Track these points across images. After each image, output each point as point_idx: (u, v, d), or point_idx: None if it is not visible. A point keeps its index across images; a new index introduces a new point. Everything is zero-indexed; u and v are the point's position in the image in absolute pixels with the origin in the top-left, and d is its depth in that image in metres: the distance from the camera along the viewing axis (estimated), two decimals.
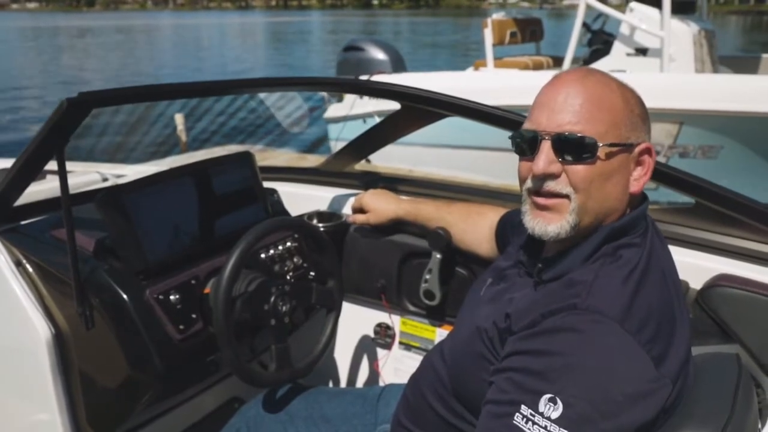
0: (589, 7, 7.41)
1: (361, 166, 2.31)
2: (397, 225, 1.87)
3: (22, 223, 1.60)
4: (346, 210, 2.07)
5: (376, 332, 2.02)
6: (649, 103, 1.13)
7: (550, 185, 1.06)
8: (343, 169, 2.20)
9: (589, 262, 1.06)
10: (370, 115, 7.02)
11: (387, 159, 3.04)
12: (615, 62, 7.13)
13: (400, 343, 1.98)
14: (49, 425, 1.46)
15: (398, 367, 1.99)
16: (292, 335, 1.71)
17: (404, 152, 3.86)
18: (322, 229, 1.90)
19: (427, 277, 1.79)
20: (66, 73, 22.49)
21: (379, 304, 1.97)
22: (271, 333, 1.52)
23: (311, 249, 1.85)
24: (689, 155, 6.26)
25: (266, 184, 1.95)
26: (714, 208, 1.52)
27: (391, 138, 2.06)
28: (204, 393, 1.77)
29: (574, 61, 7.69)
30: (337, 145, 6.71)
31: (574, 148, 1.04)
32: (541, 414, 0.91)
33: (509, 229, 1.46)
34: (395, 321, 1.98)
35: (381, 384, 1.93)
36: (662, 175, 1.51)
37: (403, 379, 1.45)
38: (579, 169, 1.04)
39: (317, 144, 8.73)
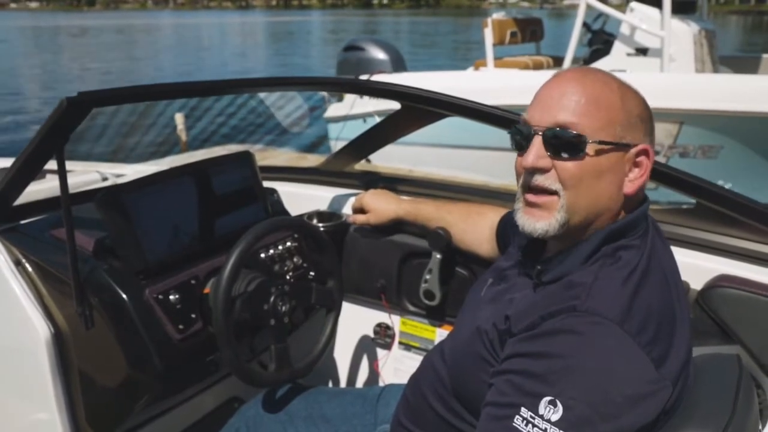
0: (589, 7, 7.41)
1: (361, 166, 2.31)
2: (397, 225, 1.87)
3: (22, 222, 1.60)
4: (346, 210, 2.06)
5: (375, 332, 2.02)
6: (649, 102, 1.12)
7: (540, 180, 1.07)
8: (343, 168, 2.20)
9: (589, 263, 1.05)
10: (370, 114, 7.02)
11: (387, 159, 3.04)
12: (615, 62, 7.13)
13: (400, 343, 1.98)
14: (49, 425, 1.46)
15: (398, 367, 1.99)
16: (291, 335, 1.71)
17: (404, 152, 3.86)
18: (322, 229, 1.90)
19: (427, 277, 1.79)
20: (66, 72, 22.49)
21: (379, 304, 1.97)
22: (270, 333, 1.51)
23: (311, 249, 1.85)
24: (689, 155, 6.26)
25: (266, 184, 1.95)
26: (714, 208, 1.51)
27: (392, 138, 2.06)
28: (203, 393, 1.77)
29: (575, 61, 7.69)
30: (337, 145, 6.72)
31: (563, 143, 1.04)
32: (541, 416, 0.91)
33: (510, 229, 1.46)
34: (395, 321, 1.98)
35: (381, 384, 1.93)
36: (662, 175, 1.51)
37: (403, 379, 1.45)
38: (568, 166, 1.04)
39: (317, 144, 8.73)
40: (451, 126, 2.21)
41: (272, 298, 1.51)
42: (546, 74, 1.13)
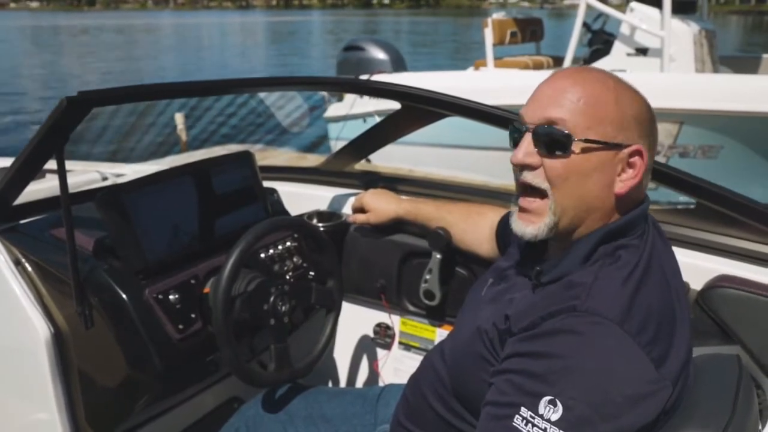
0: (589, 7, 7.41)
1: (361, 165, 2.31)
2: (398, 225, 1.87)
3: (22, 222, 1.60)
4: (346, 210, 2.06)
5: (375, 332, 2.02)
6: (649, 102, 1.11)
7: (528, 177, 1.07)
8: (343, 168, 2.20)
9: (588, 263, 1.05)
10: (370, 114, 7.02)
11: (387, 159, 3.04)
12: (615, 62, 7.13)
13: (400, 343, 1.98)
14: (48, 424, 1.46)
15: (398, 367, 1.99)
16: (291, 335, 1.71)
17: (404, 152, 3.86)
18: (321, 228, 1.90)
19: (427, 277, 1.79)
20: (66, 72, 22.49)
21: (379, 304, 1.97)
22: (270, 333, 1.51)
23: (311, 249, 1.85)
24: (689, 155, 6.26)
25: (266, 184, 1.95)
26: (714, 208, 1.51)
27: (392, 138, 2.06)
28: (203, 392, 1.76)
29: (575, 60, 7.69)
30: (337, 145, 6.72)
31: (550, 140, 1.04)
32: (541, 416, 0.91)
33: (510, 229, 1.46)
34: (395, 321, 1.98)
35: (381, 384, 1.93)
36: (662, 175, 1.51)
37: (403, 379, 1.45)
38: (555, 164, 1.05)
39: (317, 143, 8.73)
40: (451, 126, 2.21)
41: (272, 298, 1.51)
42: (546, 74, 1.13)
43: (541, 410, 0.92)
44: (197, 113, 9.12)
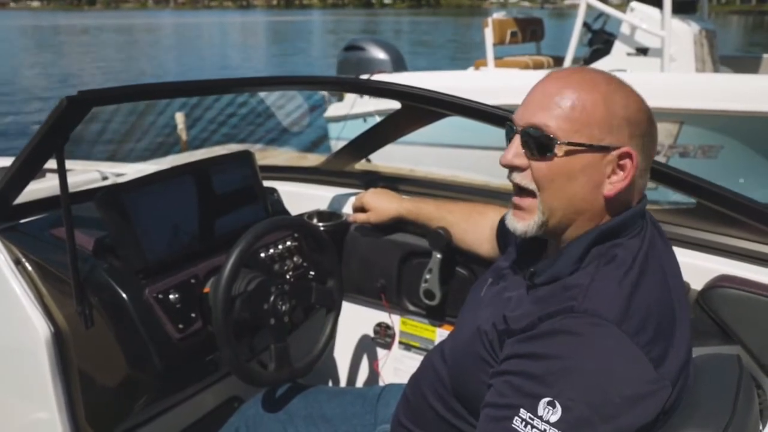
0: (589, 7, 7.41)
1: (361, 165, 2.31)
2: (398, 224, 1.87)
3: (22, 221, 1.60)
4: (347, 209, 2.06)
5: (375, 332, 2.02)
6: (650, 102, 1.10)
7: (517, 178, 1.09)
8: (344, 168, 2.20)
9: (583, 264, 1.05)
10: (370, 114, 7.02)
11: (387, 158, 3.04)
12: (615, 62, 7.13)
13: (400, 342, 1.98)
14: (48, 424, 1.46)
15: (398, 367, 1.99)
16: (291, 335, 1.71)
17: (405, 152, 3.86)
18: (322, 228, 1.90)
19: (428, 276, 1.79)
20: (66, 71, 22.49)
21: (379, 303, 1.97)
22: (270, 332, 1.51)
23: (311, 248, 1.85)
24: (689, 155, 6.26)
25: (266, 183, 1.95)
26: (714, 208, 1.51)
27: (392, 137, 2.05)
28: (203, 392, 1.76)
29: (575, 60, 7.69)
30: (337, 145, 6.71)
31: (534, 143, 1.05)
32: (540, 417, 0.91)
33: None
34: (395, 321, 1.97)
35: (381, 384, 1.93)
36: (662, 175, 1.51)
37: (403, 379, 1.45)
38: (540, 165, 1.06)
39: (317, 143, 8.72)
40: (452, 126, 2.21)
41: (272, 298, 1.51)
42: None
43: (540, 411, 0.92)
44: (197, 113, 9.12)
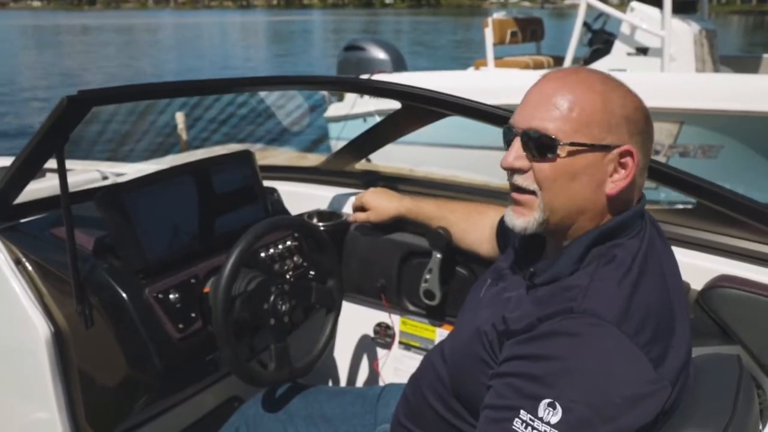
0: (590, 7, 7.41)
1: (361, 165, 2.31)
2: (398, 223, 1.86)
3: (22, 221, 1.60)
4: (347, 209, 2.06)
5: (375, 332, 2.02)
6: (650, 102, 1.11)
7: (518, 180, 1.09)
8: (344, 168, 2.20)
9: (583, 264, 1.05)
10: (370, 114, 7.02)
11: (387, 158, 3.04)
12: (615, 62, 7.13)
13: (400, 342, 1.98)
14: (48, 424, 1.46)
15: (398, 366, 1.99)
16: (291, 334, 1.71)
17: (405, 152, 3.86)
18: (322, 228, 1.90)
19: (428, 276, 1.79)
20: (66, 71, 22.49)
21: (379, 303, 1.97)
22: (270, 332, 1.51)
23: (311, 248, 1.85)
24: (689, 155, 6.26)
25: (266, 183, 1.95)
26: (714, 208, 1.51)
27: (392, 137, 2.05)
28: (203, 392, 1.76)
29: (575, 60, 7.69)
30: (337, 145, 6.71)
31: (536, 145, 1.05)
32: (541, 419, 0.91)
33: (510, 229, 1.46)
34: (395, 321, 1.97)
35: (381, 384, 1.93)
36: (662, 175, 1.51)
37: (403, 379, 1.45)
38: (543, 167, 1.06)
39: (317, 143, 8.72)
40: (452, 125, 2.21)
41: (272, 298, 1.51)
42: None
43: (540, 413, 0.92)
44: (197, 112, 9.11)
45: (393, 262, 1.91)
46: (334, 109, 7.94)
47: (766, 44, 27.76)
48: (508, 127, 1.10)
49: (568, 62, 7.46)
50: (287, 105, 8.13)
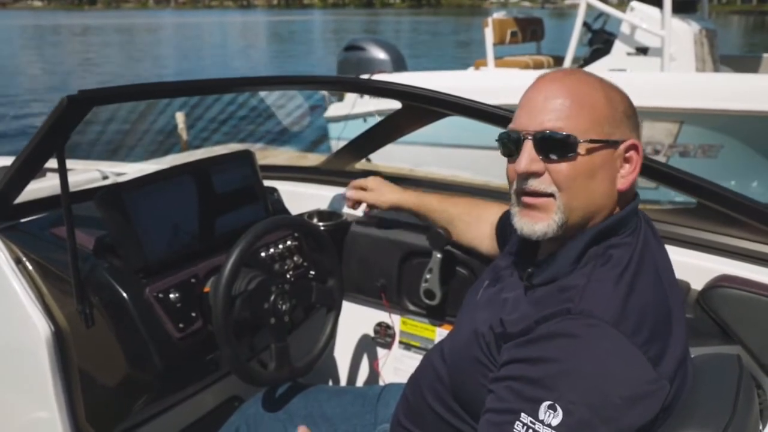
0: (590, 7, 7.40)
1: (361, 165, 2.31)
2: (398, 218, 1.85)
3: (22, 220, 1.60)
4: (347, 209, 2.06)
5: (376, 332, 2.02)
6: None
7: (534, 184, 1.06)
8: (344, 168, 2.20)
9: (580, 265, 1.05)
10: (370, 114, 7.01)
11: (387, 158, 3.04)
12: (615, 61, 7.12)
13: (400, 342, 1.98)
14: (49, 423, 1.46)
15: (398, 366, 1.99)
16: (291, 334, 1.71)
17: (405, 151, 3.86)
18: (322, 227, 1.90)
19: (428, 276, 1.79)
20: (67, 71, 22.48)
21: (379, 303, 1.97)
22: (270, 332, 1.51)
23: (311, 248, 1.85)
24: (689, 154, 6.25)
25: (266, 183, 1.95)
26: (714, 208, 1.51)
27: (392, 137, 2.06)
28: (203, 391, 1.77)
29: (575, 60, 7.69)
30: (337, 144, 6.71)
31: (554, 145, 1.04)
32: (541, 421, 0.91)
33: (509, 227, 1.46)
34: (395, 320, 1.98)
35: (381, 383, 1.93)
36: (662, 175, 1.51)
37: (403, 378, 1.45)
38: (561, 167, 1.05)
39: (318, 143, 8.72)
40: (452, 125, 2.21)
41: (272, 297, 1.51)
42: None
43: (541, 416, 0.92)
44: (198, 112, 9.11)
45: (393, 262, 1.91)
46: (334, 109, 7.93)
47: (766, 44, 27.75)
48: (514, 132, 1.08)
49: (568, 62, 7.46)
50: (287, 105, 8.13)
